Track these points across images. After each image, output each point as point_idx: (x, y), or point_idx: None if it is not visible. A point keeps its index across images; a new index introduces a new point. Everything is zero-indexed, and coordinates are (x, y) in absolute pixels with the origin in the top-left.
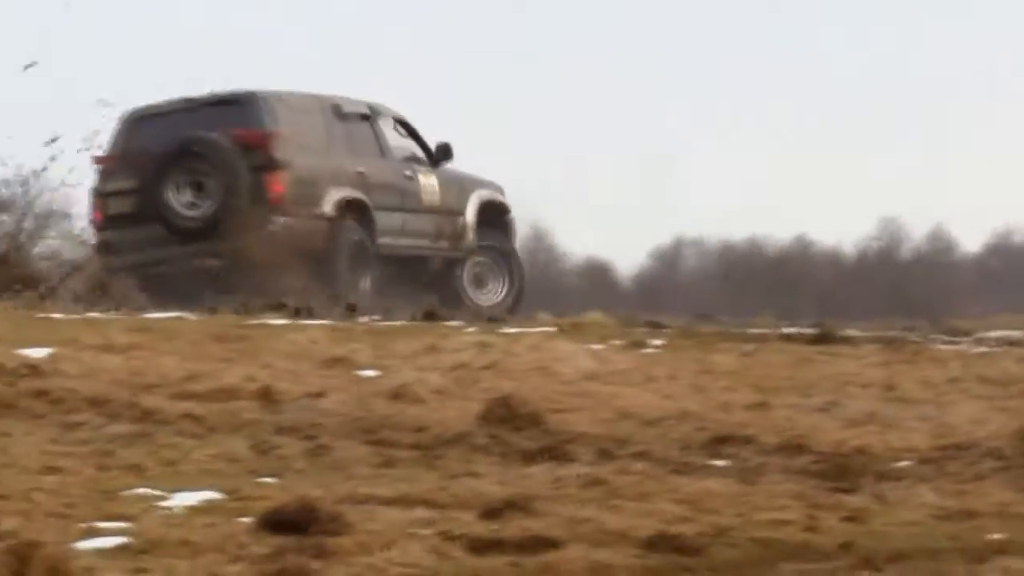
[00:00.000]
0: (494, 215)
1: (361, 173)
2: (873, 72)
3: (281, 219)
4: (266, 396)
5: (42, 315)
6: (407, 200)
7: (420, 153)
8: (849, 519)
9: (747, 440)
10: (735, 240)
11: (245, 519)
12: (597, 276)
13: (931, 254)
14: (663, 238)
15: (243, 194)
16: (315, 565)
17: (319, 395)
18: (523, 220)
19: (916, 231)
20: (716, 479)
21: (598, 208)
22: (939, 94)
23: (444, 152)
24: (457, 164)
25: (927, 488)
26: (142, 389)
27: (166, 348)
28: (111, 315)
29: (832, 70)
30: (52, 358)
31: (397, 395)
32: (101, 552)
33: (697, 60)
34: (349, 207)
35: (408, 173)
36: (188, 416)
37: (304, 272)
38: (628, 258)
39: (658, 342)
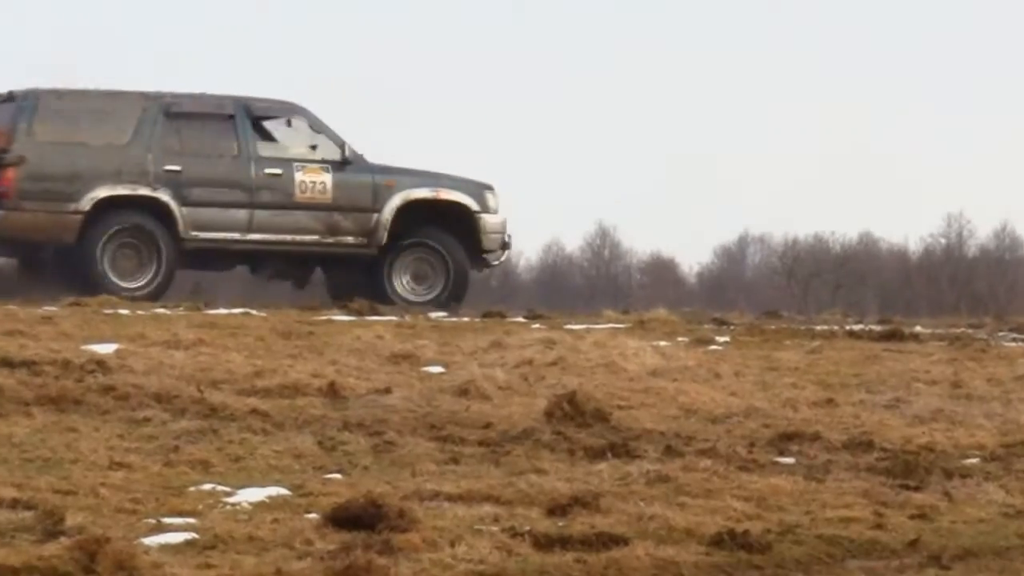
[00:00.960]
0: (440, 214)
1: (173, 171)
2: (938, 70)
3: (9, 212)
4: (332, 392)
5: (109, 311)
6: (265, 196)
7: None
8: (916, 516)
9: (814, 437)
10: (800, 237)
11: (311, 515)
12: (662, 273)
13: (997, 251)
14: (728, 235)
15: None
16: (381, 561)
17: (385, 391)
18: (587, 218)
19: (982, 228)
20: (782, 476)
21: (662, 206)
22: (1008, 92)
23: (344, 153)
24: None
25: (994, 485)
26: (209, 385)
27: (232, 344)
28: (178, 311)
29: (898, 67)
30: (119, 354)
31: (463, 391)
32: (168, 547)
33: (757, 56)
34: (116, 203)
35: (274, 171)
36: (254, 412)
37: (55, 260)
38: (693, 255)
39: (723, 339)
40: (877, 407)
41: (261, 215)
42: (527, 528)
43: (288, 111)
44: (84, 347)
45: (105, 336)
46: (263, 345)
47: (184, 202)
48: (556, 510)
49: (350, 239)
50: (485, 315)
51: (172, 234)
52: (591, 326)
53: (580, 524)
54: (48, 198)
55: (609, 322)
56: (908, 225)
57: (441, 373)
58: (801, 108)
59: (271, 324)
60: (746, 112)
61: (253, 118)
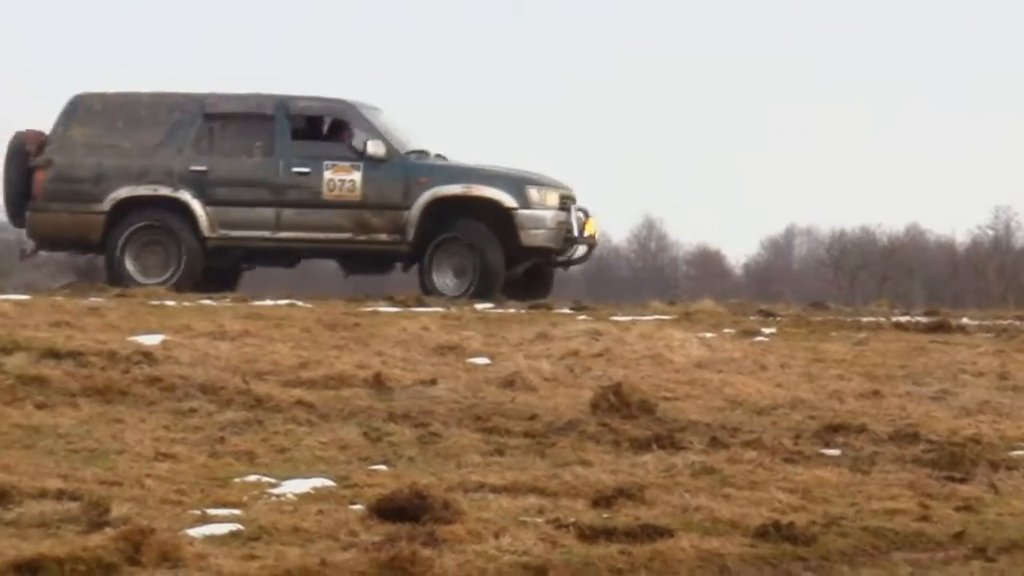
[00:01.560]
0: (474, 210)
1: (198, 171)
2: (987, 65)
3: (35, 212)
4: (378, 383)
5: (155, 302)
6: (292, 195)
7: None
8: (962, 508)
9: (859, 429)
10: (847, 228)
11: (356, 506)
12: (709, 264)
13: None
14: (775, 227)
15: (22, 189)
16: (426, 553)
17: (430, 382)
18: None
19: None
20: (828, 468)
21: (710, 197)
22: None
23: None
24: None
25: None
26: (254, 376)
27: (278, 335)
28: (223, 303)
29: (945, 63)
30: (165, 345)
31: (508, 383)
32: (212, 538)
33: (806, 53)
34: (137, 203)
35: (302, 170)
36: (300, 403)
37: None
38: (740, 247)
39: (769, 330)
40: (923, 399)
41: (288, 213)
42: (572, 520)
43: (332, 109)
44: (130, 338)
45: (151, 327)
46: (309, 336)
47: (209, 201)
48: (601, 502)
49: (383, 236)
50: (531, 307)
51: (194, 232)
52: (637, 318)
53: (625, 516)
54: (74, 199)
55: (655, 314)
56: (955, 217)
57: (487, 364)
58: (848, 101)
59: (316, 315)
60: (796, 106)
61: (293, 117)
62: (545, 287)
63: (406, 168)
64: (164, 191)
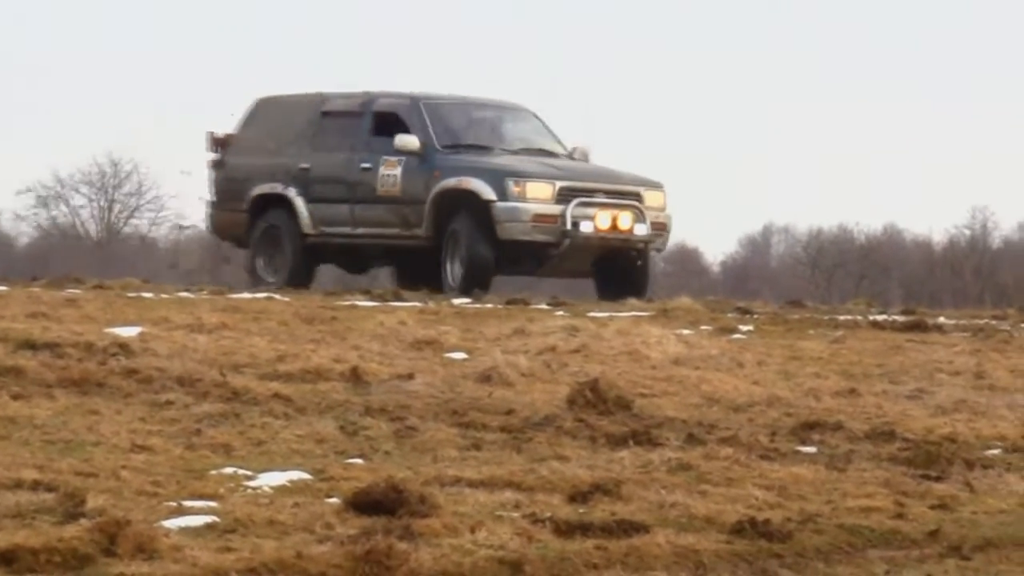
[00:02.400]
0: (467, 204)
1: (304, 168)
2: (963, 64)
3: (211, 211)
4: (355, 377)
5: (133, 294)
6: (358, 191)
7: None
8: (937, 507)
9: (836, 427)
10: (824, 227)
11: (332, 500)
12: (686, 262)
13: (1022, 242)
14: (753, 225)
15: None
16: (402, 546)
17: (407, 377)
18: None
19: (1007, 220)
20: (804, 465)
21: (687, 195)
22: None
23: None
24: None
25: (1016, 477)
26: (231, 369)
27: (255, 328)
28: (201, 295)
29: (922, 60)
30: (142, 337)
31: (485, 378)
32: (188, 531)
33: (783, 50)
34: (267, 201)
35: (367, 166)
36: (276, 396)
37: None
38: (717, 244)
39: (747, 328)
40: (900, 397)
41: (357, 210)
42: (548, 515)
43: (396, 104)
44: (107, 330)
45: (128, 319)
46: (286, 330)
47: (310, 198)
48: (577, 497)
49: (418, 231)
50: (508, 302)
51: (298, 230)
52: (614, 314)
53: (601, 511)
54: (232, 198)
55: (632, 310)
56: (933, 217)
57: (464, 359)
58: (827, 100)
59: (294, 309)
60: (771, 104)
61: (376, 113)
62: (635, 284)
63: (430, 162)
64: (279, 189)
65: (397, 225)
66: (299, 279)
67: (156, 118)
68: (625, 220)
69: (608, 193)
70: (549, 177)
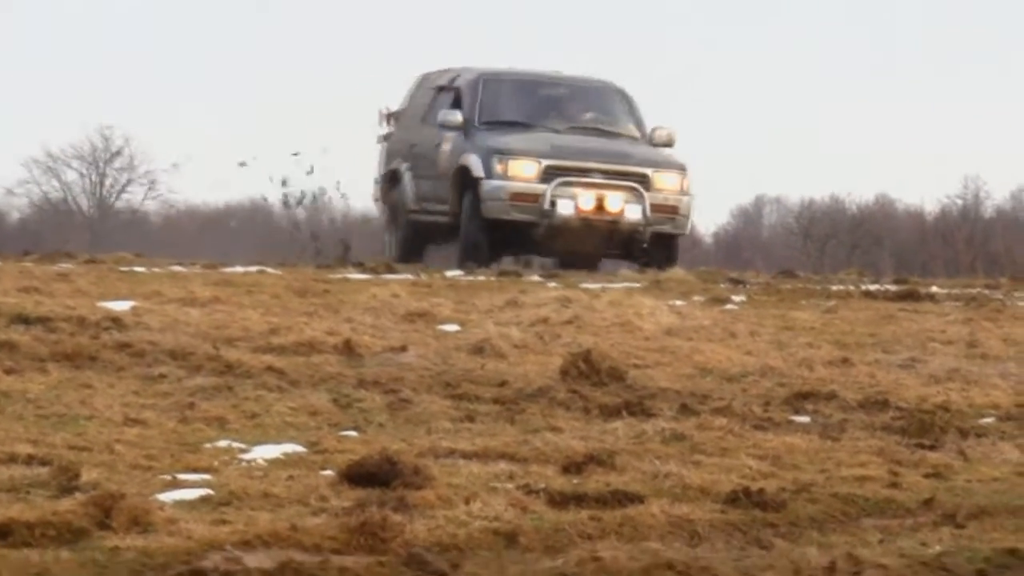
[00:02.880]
0: (469, 181)
1: (413, 144)
2: (951, 33)
3: (375, 185)
4: (348, 350)
5: (125, 268)
6: (433, 168)
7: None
8: (931, 475)
9: (829, 396)
10: (816, 197)
11: (326, 472)
12: None
13: (1014, 212)
14: (744, 196)
15: None
16: (396, 518)
17: (400, 349)
18: None
19: (998, 190)
20: (798, 435)
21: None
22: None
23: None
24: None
25: (1009, 445)
26: (224, 342)
27: (248, 302)
28: (193, 269)
29: (914, 28)
30: (135, 311)
31: (478, 349)
32: (182, 504)
33: (776, 18)
34: (395, 176)
35: (436, 142)
36: (270, 369)
37: None
38: (709, 215)
39: (739, 298)
40: (892, 367)
41: (433, 186)
42: (542, 486)
43: (469, 80)
44: (100, 304)
45: (121, 293)
46: (279, 303)
47: (415, 174)
48: (571, 468)
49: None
50: (501, 274)
51: (405, 205)
52: (607, 285)
53: (595, 482)
54: (385, 173)
55: (625, 281)
56: (925, 187)
57: (457, 331)
58: (817, 68)
59: (287, 282)
60: (762, 76)
61: (455, 88)
62: (665, 259)
63: (468, 139)
64: (398, 165)
65: (447, 202)
66: (409, 256)
67: (149, 93)
68: (614, 202)
69: (607, 173)
70: (537, 155)
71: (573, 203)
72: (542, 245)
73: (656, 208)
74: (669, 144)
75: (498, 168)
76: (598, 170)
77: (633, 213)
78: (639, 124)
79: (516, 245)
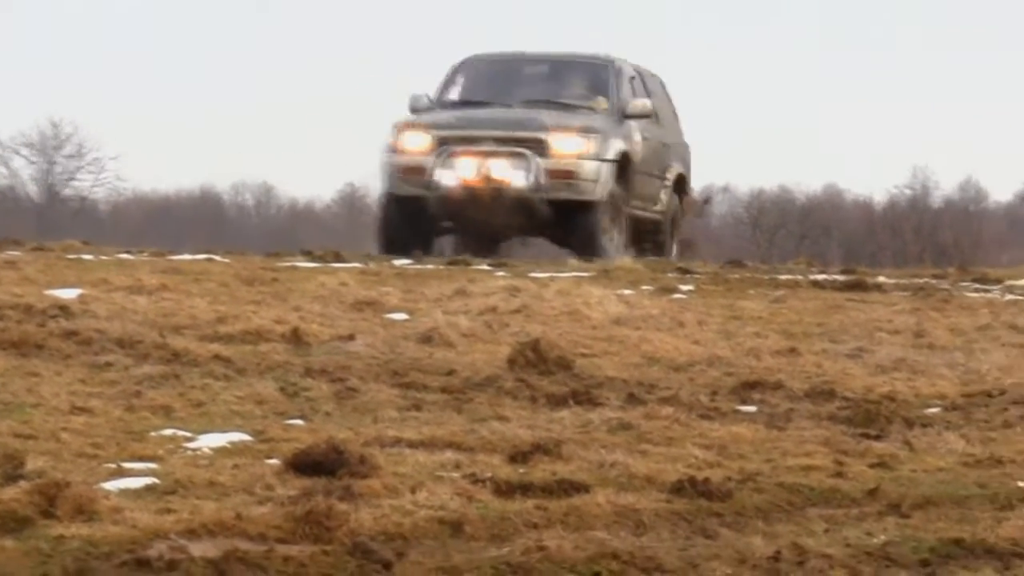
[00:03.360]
0: None
1: None
2: (907, 21)
3: None
4: (295, 338)
5: (73, 256)
6: None
7: None
8: (877, 465)
9: (776, 386)
10: (766, 187)
11: (273, 461)
12: None
13: (961, 203)
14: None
15: None
16: (342, 507)
17: (348, 338)
18: None
19: (947, 180)
20: (744, 424)
21: None
22: (973, 45)
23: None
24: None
25: (955, 435)
26: (171, 330)
27: (195, 290)
28: (141, 257)
29: (866, 16)
30: (82, 299)
31: (426, 338)
32: (128, 492)
33: (727, 9)
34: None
35: None
36: (217, 358)
37: None
38: None
39: (687, 288)
40: (839, 356)
41: None
42: (488, 475)
43: (459, 64)
44: (47, 292)
45: (68, 281)
46: (226, 291)
47: None
48: (517, 457)
49: None
50: (450, 263)
51: None
52: (555, 274)
53: (541, 471)
54: None
55: (573, 271)
56: (873, 177)
57: (405, 320)
58: (768, 59)
59: (234, 270)
60: (709, 63)
61: (453, 73)
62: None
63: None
64: None
65: None
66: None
67: (97, 81)
68: (498, 169)
69: (500, 140)
70: (433, 127)
71: (455, 173)
72: (437, 220)
73: (552, 174)
74: (644, 115)
75: (392, 142)
76: (489, 138)
77: (520, 180)
78: (618, 96)
79: (420, 224)
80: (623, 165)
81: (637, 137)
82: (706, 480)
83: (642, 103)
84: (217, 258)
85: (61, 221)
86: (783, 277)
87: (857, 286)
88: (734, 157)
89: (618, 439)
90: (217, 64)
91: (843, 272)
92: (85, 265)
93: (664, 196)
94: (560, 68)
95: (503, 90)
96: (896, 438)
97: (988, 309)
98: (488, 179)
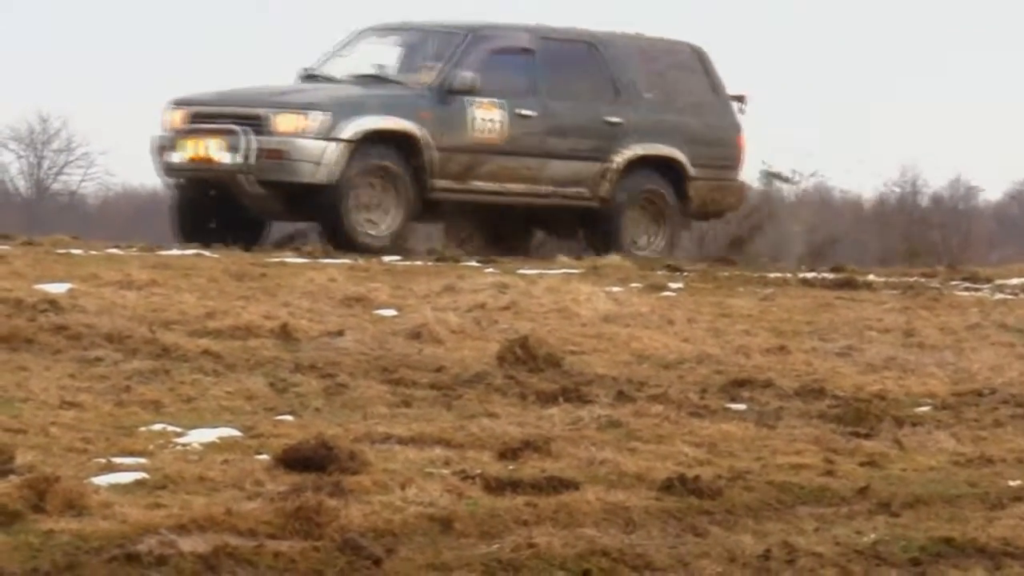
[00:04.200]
0: None
1: None
2: (894, 19)
3: None
4: (284, 334)
5: (62, 251)
6: None
7: None
8: (867, 464)
9: (765, 384)
10: (753, 184)
11: (262, 456)
12: None
13: (951, 201)
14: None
15: None
16: (332, 503)
17: (337, 334)
18: None
19: (936, 178)
20: (734, 422)
21: None
22: (963, 42)
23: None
24: None
25: (945, 434)
26: (161, 325)
27: (185, 285)
28: (130, 251)
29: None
30: (71, 294)
31: (415, 335)
32: (118, 487)
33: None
34: None
35: None
36: (206, 353)
37: None
38: None
39: (676, 285)
40: (829, 355)
41: None
42: (478, 471)
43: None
44: (36, 286)
45: (57, 276)
46: (216, 286)
47: None
48: (507, 454)
49: None
50: (439, 259)
51: None
52: (544, 271)
53: (531, 468)
54: None
55: (562, 267)
56: (862, 173)
57: (394, 316)
58: (753, 54)
59: (224, 265)
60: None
61: None
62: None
63: None
64: None
65: None
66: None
67: (86, 75)
68: (212, 148)
69: (232, 118)
70: (188, 102)
71: (182, 153)
72: (178, 211)
73: (266, 153)
74: (468, 91)
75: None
76: (225, 115)
77: (226, 159)
78: (453, 70)
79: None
80: (404, 145)
81: (477, 115)
82: (696, 478)
83: (467, 77)
84: (206, 253)
85: (50, 215)
86: (772, 275)
87: (847, 284)
88: None
89: (608, 436)
90: (207, 60)
91: (832, 270)
92: (74, 260)
93: (607, 182)
94: (425, 40)
95: (354, 64)
96: (886, 437)
97: (978, 308)
98: (201, 159)
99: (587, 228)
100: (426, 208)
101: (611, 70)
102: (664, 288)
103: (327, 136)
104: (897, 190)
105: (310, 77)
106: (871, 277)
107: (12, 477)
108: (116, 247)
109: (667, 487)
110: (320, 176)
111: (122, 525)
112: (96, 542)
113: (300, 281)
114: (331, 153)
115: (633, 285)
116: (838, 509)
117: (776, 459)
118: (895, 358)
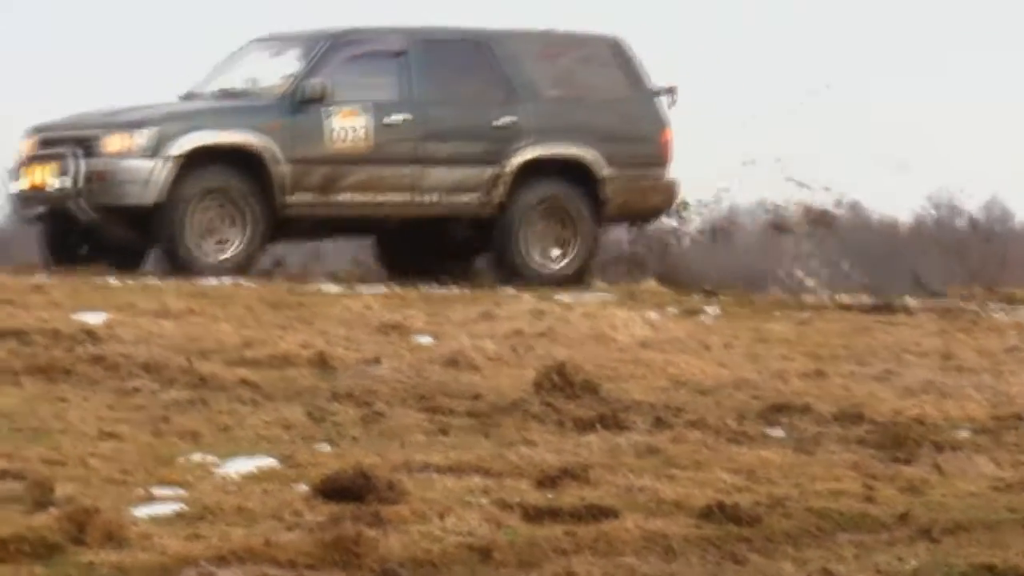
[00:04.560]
0: None
1: None
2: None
3: None
4: (321, 363)
5: (99, 280)
6: None
7: None
8: (906, 490)
9: (803, 409)
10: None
11: (300, 486)
12: (653, 243)
13: (987, 223)
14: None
15: None
16: (370, 533)
17: (374, 361)
18: None
19: (972, 200)
20: (772, 448)
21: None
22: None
23: None
24: None
25: (985, 458)
26: (198, 355)
27: (222, 314)
28: (167, 281)
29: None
30: (108, 324)
31: (452, 362)
32: (157, 518)
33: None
34: None
35: None
36: (244, 382)
37: None
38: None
39: (713, 310)
40: (867, 379)
41: None
42: (516, 500)
43: None
44: (74, 316)
45: (95, 306)
46: (252, 315)
47: None
48: (545, 482)
49: None
50: (475, 286)
51: None
52: (581, 297)
53: (569, 496)
54: None
55: (599, 292)
56: (898, 196)
57: (430, 344)
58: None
59: (260, 294)
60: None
61: None
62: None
63: None
64: None
65: None
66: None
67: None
68: (48, 174)
69: (70, 142)
70: (37, 131)
71: (20, 181)
72: (44, 238)
73: (95, 176)
74: (316, 98)
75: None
76: (65, 140)
77: (55, 184)
78: (305, 78)
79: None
80: (246, 160)
81: (336, 123)
82: (735, 505)
83: (317, 84)
84: (243, 282)
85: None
86: (809, 299)
87: (884, 308)
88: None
89: (646, 463)
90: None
91: (869, 294)
92: (111, 290)
93: (500, 187)
94: (294, 49)
95: (232, 78)
96: (926, 462)
97: (1016, 330)
98: (37, 186)
99: (488, 243)
100: (284, 226)
101: (504, 69)
102: (700, 313)
103: (154, 155)
104: (933, 213)
105: (188, 96)
106: (908, 300)
107: (52, 509)
108: (152, 276)
109: (706, 514)
110: (148, 198)
111: (162, 557)
112: (136, 574)
113: (336, 309)
114: (158, 172)
115: (669, 310)
116: (878, 536)
117: (815, 485)
118: (933, 382)
